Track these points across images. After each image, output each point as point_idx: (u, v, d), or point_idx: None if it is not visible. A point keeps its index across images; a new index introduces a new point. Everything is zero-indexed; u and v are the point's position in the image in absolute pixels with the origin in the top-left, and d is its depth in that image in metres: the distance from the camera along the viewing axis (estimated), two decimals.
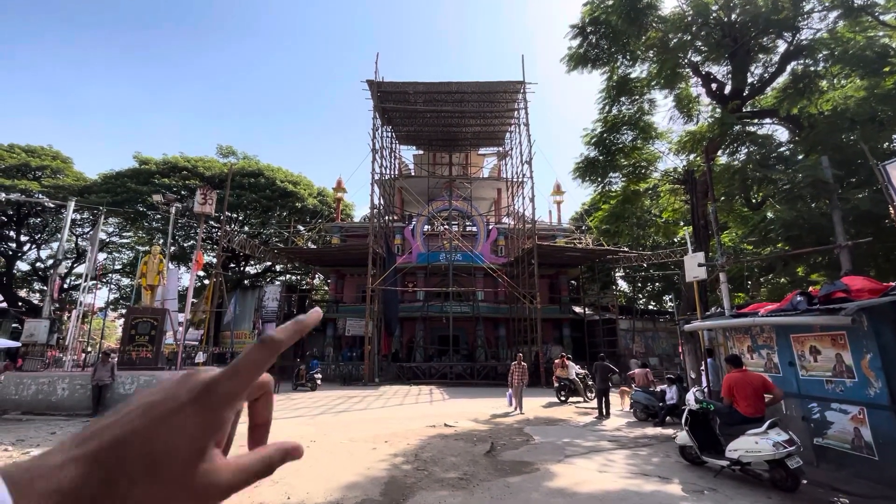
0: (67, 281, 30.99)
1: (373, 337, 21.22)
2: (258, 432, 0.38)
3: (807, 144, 10.00)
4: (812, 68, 10.61)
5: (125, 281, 33.22)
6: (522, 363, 11.75)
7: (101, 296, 33.84)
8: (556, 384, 14.21)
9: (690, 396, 5.86)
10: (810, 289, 6.66)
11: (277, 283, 32.57)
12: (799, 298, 5.92)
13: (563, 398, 13.79)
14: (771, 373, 6.39)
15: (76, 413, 10.24)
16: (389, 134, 27.42)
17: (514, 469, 5.82)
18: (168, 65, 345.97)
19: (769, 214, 8.98)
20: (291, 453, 0.35)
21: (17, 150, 27.40)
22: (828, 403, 5.51)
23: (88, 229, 30.42)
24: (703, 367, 8.37)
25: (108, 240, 32.45)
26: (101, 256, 33.50)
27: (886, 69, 9.69)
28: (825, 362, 5.56)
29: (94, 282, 31.90)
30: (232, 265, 33.02)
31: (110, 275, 33.49)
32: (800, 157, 10.05)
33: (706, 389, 7.69)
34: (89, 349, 30.13)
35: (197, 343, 27.32)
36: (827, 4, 10.56)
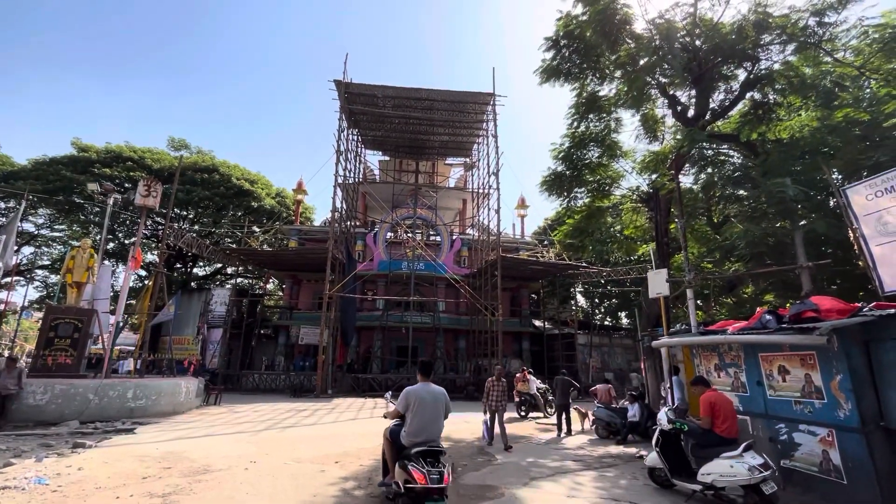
0: None
1: (328, 346, 20.21)
2: None
3: (762, 170, 10.37)
4: (770, 97, 11.07)
5: (53, 278, 30.24)
6: (503, 380, 8.88)
7: (29, 295, 30.61)
8: (516, 399, 13.90)
9: (662, 416, 5.63)
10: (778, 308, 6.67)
11: (228, 286, 30.73)
12: (768, 317, 5.88)
13: (523, 413, 13.49)
14: (738, 392, 6.30)
15: None
16: (355, 137, 26.72)
17: (478, 495, 5.34)
18: (119, 59, 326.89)
19: (733, 232, 9.12)
20: None
21: None
22: (796, 425, 5.43)
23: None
24: (668, 385, 8.27)
25: (36, 232, 29.51)
26: (28, 251, 30.48)
27: (836, 102, 10.25)
28: (794, 382, 5.49)
29: (17, 278, 28.88)
30: (178, 265, 30.87)
31: (36, 270, 30.39)
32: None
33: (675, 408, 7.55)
34: (6, 353, 27.10)
35: (132, 348, 25.15)
36: (784, 38, 11.08)
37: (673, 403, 7.97)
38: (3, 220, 27.97)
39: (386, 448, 4.74)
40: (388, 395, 5.80)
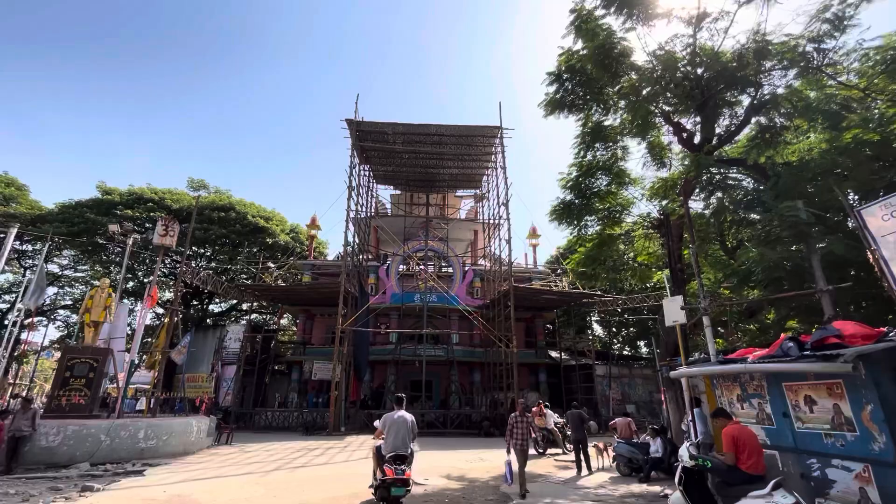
0: (8, 317, 28.52)
1: (341, 381, 19.98)
2: None
3: (772, 194, 10.24)
4: (777, 120, 11.07)
5: (74, 317, 30.88)
6: (527, 415, 7.91)
7: (50, 334, 31.28)
8: (533, 434, 13.41)
9: (684, 451, 5.36)
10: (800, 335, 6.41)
11: (242, 322, 30.99)
12: (790, 344, 5.63)
13: (540, 450, 12.99)
14: (764, 424, 5.99)
15: None
16: (367, 173, 27.36)
17: None
18: (142, 101, 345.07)
19: (748, 257, 8.93)
20: None
21: None
22: (828, 459, 5.10)
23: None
24: (690, 418, 7.91)
25: (60, 273, 30.41)
26: (51, 291, 31.32)
27: (844, 124, 10.19)
28: (822, 413, 5.20)
29: (39, 318, 29.55)
30: (194, 302, 31.30)
31: (58, 311, 31.10)
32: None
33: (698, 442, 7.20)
34: (23, 392, 27.41)
35: (147, 387, 25.20)
36: (785, 63, 11.17)
37: (695, 438, 7.60)
38: (31, 261, 28.98)
39: (374, 459, 6.53)
40: (377, 422, 6.62)
